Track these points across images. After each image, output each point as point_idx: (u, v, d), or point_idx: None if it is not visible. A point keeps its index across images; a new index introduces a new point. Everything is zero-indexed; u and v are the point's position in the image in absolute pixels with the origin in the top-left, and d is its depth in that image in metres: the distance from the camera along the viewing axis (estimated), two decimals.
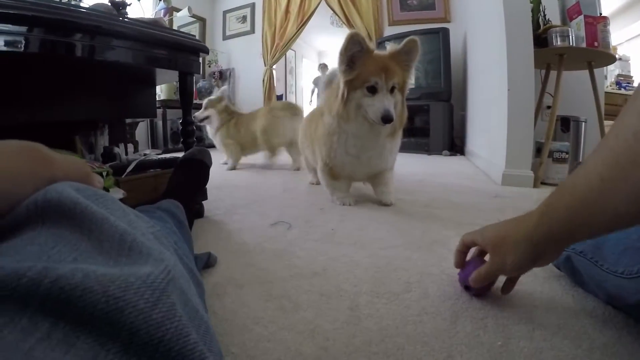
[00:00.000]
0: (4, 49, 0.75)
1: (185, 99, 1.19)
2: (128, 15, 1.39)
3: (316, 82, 6.16)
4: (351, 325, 0.55)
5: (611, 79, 4.93)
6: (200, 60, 1.34)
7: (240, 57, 5.34)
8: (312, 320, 0.56)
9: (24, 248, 0.20)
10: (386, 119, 1.13)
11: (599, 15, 2.00)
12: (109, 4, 1.33)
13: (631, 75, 4.98)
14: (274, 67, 5.10)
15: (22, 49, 0.77)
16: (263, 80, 5.00)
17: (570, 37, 1.87)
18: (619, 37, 5.21)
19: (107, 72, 1.18)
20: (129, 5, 1.41)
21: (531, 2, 2.03)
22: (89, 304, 0.17)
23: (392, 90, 1.19)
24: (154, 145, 4.13)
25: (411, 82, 1.27)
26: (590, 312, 0.60)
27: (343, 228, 1.05)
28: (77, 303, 0.17)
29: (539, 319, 0.58)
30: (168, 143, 4.20)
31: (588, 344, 0.51)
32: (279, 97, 5.37)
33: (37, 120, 1.05)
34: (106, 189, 0.88)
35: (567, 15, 2.07)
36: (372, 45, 1.21)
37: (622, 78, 4.90)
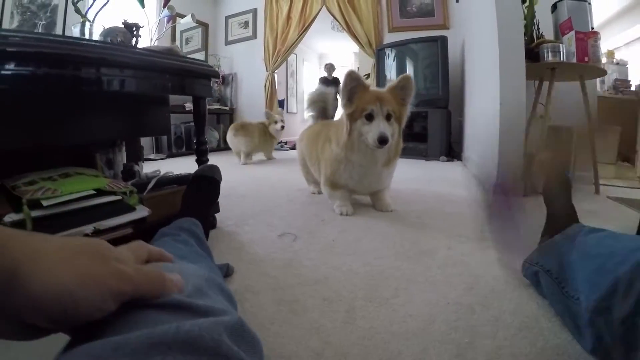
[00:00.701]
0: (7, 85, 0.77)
1: (199, 121, 1.30)
2: (141, 37, 1.51)
3: (322, 83, 6.23)
4: (348, 325, 0.68)
5: (609, 83, 5.00)
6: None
7: (242, 62, 5.44)
8: (317, 320, 0.69)
9: (139, 321, 0.31)
10: (381, 139, 1.26)
11: (590, 30, 2.05)
12: (123, 27, 1.45)
13: (629, 79, 4.99)
14: (275, 71, 5.22)
15: (30, 85, 0.80)
16: (265, 85, 5.11)
17: (562, 52, 1.94)
18: (616, 41, 5.24)
19: (126, 95, 1.28)
20: (142, 27, 1.53)
21: (524, 19, 2.09)
22: (203, 343, 0.29)
23: (388, 118, 1.33)
24: (158, 150, 4.23)
25: (408, 114, 1.42)
26: (550, 318, 0.69)
27: (342, 239, 1.17)
28: (198, 343, 0.29)
29: (504, 322, 0.69)
30: (172, 147, 4.30)
31: (542, 344, 0.62)
32: (280, 102, 5.48)
33: (60, 143, 1.12)
34: (133, 207, 1.00)
35: (560, 31, 2.11)
36: (368, 82, 1.36)
37: (619, 82, 4.94)
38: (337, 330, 0.66)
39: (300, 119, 8.45)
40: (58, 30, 3.07)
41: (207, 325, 0.31)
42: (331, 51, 9.14)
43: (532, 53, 2.04)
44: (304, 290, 0.82)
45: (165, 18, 2.15)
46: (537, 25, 2.21)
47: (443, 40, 3.67)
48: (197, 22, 5.05)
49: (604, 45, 5.20)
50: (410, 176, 2.53)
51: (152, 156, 3.93)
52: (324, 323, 0.68)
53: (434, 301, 0.77)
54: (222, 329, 0.31)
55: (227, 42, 5.55)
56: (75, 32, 1.27)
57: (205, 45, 5.33)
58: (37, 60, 0.78)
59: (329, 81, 6.19)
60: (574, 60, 1.95)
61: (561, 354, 0.59)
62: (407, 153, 3.71)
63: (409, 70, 4.02)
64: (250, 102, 5.33)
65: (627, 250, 0.54)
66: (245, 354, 0.32)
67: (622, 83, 4.96)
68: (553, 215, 0.97)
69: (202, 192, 1.10)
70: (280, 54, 5.02)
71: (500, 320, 0.70)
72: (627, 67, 5.13)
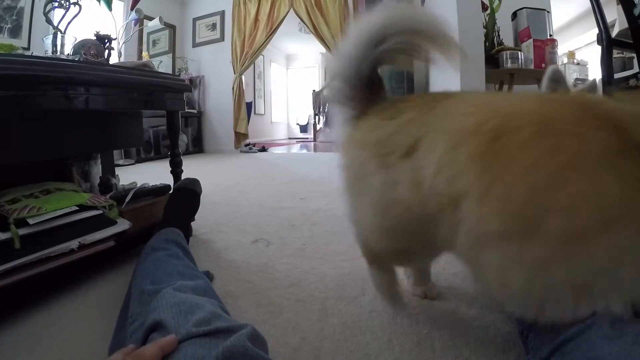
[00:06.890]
0: None
1: (173, 134, 1.35)
2: (113, 49, 1.54)
3: None
4: (321, 322, 0.77)
5: (570, 82, 5.32)
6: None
7: (209, 64, 5.42)
8: (293, 320, 0.78)
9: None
10: None
11: (548, 37, 2.19)
12: (95, 39, 1.47)
13: (588, 79, 5.41)
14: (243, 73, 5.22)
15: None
16: (233, 88, 5.11)
17: (520, 59, 2.06)
18: (578, 42, 5.54)
19: (99, 111, 1.29)
20: (114, 39, 1.56)
21: (485, 27, 2.19)
22: (233, 349, 0.42)
23: None
24: (126, 155, 4.16)
25: None
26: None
27: (312, 243, 1.25)
28: (234, 350, 0.42)
29: (460, 314, 0.78)
30: (141, 152, 4.25)
31: (494, 332, 0.70)
32: (249, 105, 5.49)
33: (33, 159, 1.11)
34: (114, 221, 1.04)
35: (519, 38, 2.23)
36: None
37: (579, 82, 5.29)
38: (312, 328, 0.75)
39: (268, 120, 8.49)
40: (24, 34, 3.00)
41: (236, 337, 0.45)
42: (299, 52, 9.22)
43: (493, 59, 2.15)
44: (279, 293, 0.90)
45: (133, 21, 2.16)
46: (498, 33, 2.32)
47: None
48: (165, 24, 4.99)
49: (566, 46, 5.55)
50: None
51: (120, 162, 3.88)
52: (299, 322, 0.77)
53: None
54: (245, 338, 0.45)
55: (195, 45, 5.51)
56: (47, 43, 1.27)
57: (172, 48, 5.27)
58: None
59: None
60: (532, 66, 2.08)
61: (510, 340, 0.66)
62: None
63: None
64: (218, 105, 5.31)
65: None
66: (261, 350, 0.46)
67: (583, 82, 5.29)
68: None
69: (184, 204, 1.16)
70: (248, 56, 5.04)
71: (456, 312, 0.79)
72: (587, 67, 5.36)
